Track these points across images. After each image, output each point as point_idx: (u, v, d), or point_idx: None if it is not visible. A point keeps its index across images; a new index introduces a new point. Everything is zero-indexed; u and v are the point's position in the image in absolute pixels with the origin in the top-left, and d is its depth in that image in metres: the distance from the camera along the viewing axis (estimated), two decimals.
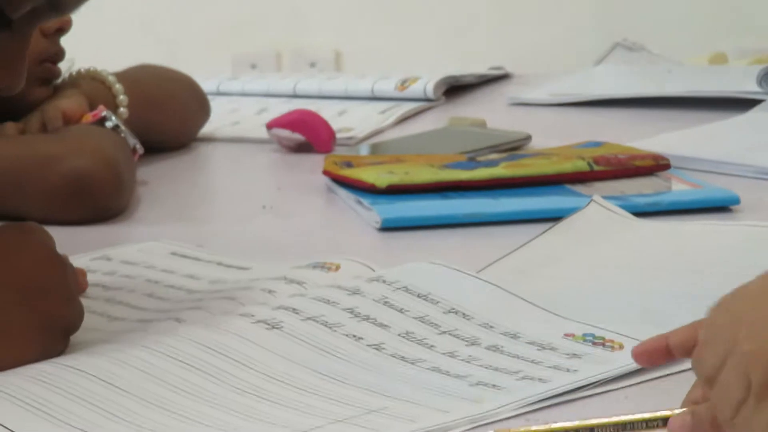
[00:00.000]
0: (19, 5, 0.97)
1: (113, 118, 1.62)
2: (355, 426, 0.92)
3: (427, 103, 2.02)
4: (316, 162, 1.62)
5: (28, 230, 1.11)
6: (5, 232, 1.11)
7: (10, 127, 1.59)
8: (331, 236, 1.43)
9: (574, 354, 1.05)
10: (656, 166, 1.53)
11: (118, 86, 1.68)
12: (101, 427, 0.92)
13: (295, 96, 2.06)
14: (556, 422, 0.88)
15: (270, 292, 1.19)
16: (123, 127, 1.62)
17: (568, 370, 1.01)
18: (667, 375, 1.00)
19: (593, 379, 0.99)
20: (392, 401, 0.96)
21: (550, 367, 1.02)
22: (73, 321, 1.06)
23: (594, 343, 1.06)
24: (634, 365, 1.00)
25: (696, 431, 0.82)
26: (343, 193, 1.51)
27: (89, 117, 1.62)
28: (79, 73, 1.74)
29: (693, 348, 0.84)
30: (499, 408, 0.94)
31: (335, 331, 1.09)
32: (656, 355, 0.90)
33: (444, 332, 1.09)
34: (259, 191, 1.67)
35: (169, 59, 1.93)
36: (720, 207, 1.43)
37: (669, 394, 0.87)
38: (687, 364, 0.97)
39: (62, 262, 1.08)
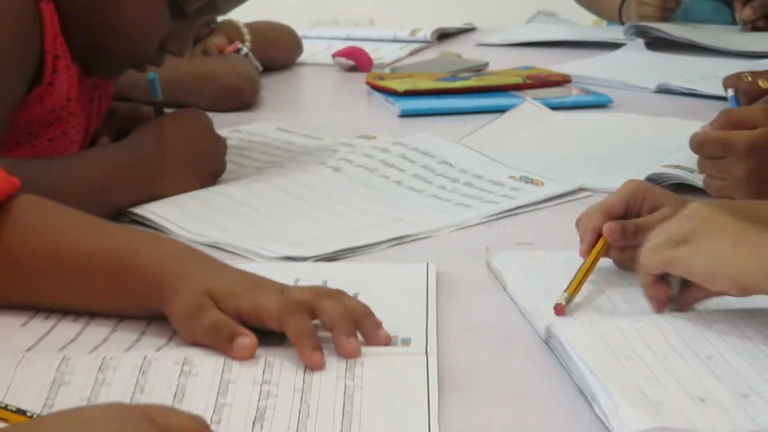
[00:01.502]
0: (193, 3, 0.96)
1: (244, 48, 1.58)
2: (383, 228, 0.94)
3: (428, 44, 1.96)
4: (361, 77, 1.59)
5: (196, 114, 1.11)
6: (184, 116, 1.11)
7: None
8: (371, 121, 1.39)
9: (515, 188, 1.05)
10: (562, 81, 1.50)
11: (245, 30, 1.62)
12: (233, 229, 0.94)
13: (348, 39, 1.99)
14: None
15: (335, 150, 1.18)
16: (251, 54, 1.58)
17: (511, 197, 1.01)
18: (569, 201, 1.00)
19: (526, 202, 0.99)
20: (407, 214, 0.97)
21: (501, 195, 1.02)
22: (221, 168, 1.07)
23: (527, 182, 1.05)
24: (551, 194, 1.03)
25: (622, 235, 0.77)
26: (378, 95, 1.48)
27: (230, 48, 1.58)
28: (223, 21, 1.67)
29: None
30: (469, 218, 0.97)
31: (373, 173, 1.09)
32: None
33: (438, 174, 1.09)
34: (327, 95, 1.66)
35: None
36: (600, 105, 1.42)
37: (573, 212, 0.84)
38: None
39: (216, 134, 1.09)
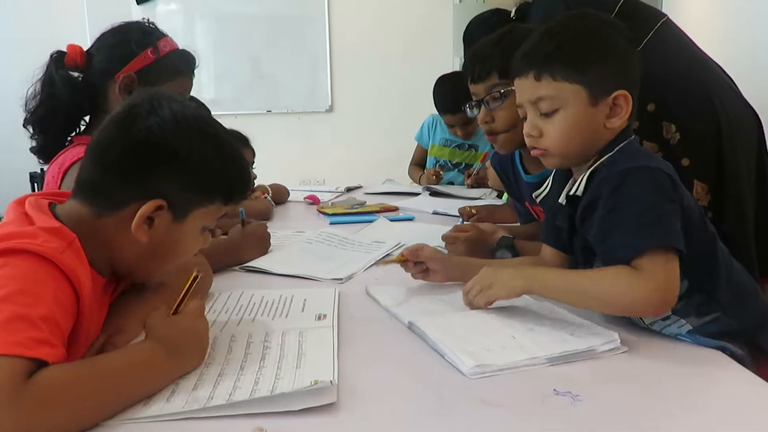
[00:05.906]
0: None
1: (268, 196, 1.55)
2: (326, 271, 0.89)
3: (342, 193, 1.85)
4: (314, 207, 1.56)
5: (259, 224, 1.05)
6: (254, 225, 1.04)
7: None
8: (318, 224, 1.30)
9: (376, 246, 1.05)
10: (395, 209, 1.50)
11: (269, 188, 1.58)
12: (272, 267, 0.91)
13: (311, 191, 1.81)
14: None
15: (309, 236, 1.13)
16: (270, 198, 1.53)
17: (375, 251, 1.02)
18: (399, 248, 1.00)
19: (384, 252, 1.00)
20: (335, 263, 0.95)
21: (371, 249, 1.03)
22: (268, 247, 1.03)
23: (379, 243, 1.07)
24: (390, 248, 1.01)
25: (412, 254, 0.79)
26: (321, 215, 1.47)
27: (263, 196, 1.53)
28: (259, 185, 1.57)
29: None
30: (361, 265, 0.93)
31: (323, 243, 1.07)
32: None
33: (348, 244, 1.07)
34: (301, 214, 1.54)
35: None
36: (410, 219, 1.40)
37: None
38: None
39: (266, 232, 1.05)
